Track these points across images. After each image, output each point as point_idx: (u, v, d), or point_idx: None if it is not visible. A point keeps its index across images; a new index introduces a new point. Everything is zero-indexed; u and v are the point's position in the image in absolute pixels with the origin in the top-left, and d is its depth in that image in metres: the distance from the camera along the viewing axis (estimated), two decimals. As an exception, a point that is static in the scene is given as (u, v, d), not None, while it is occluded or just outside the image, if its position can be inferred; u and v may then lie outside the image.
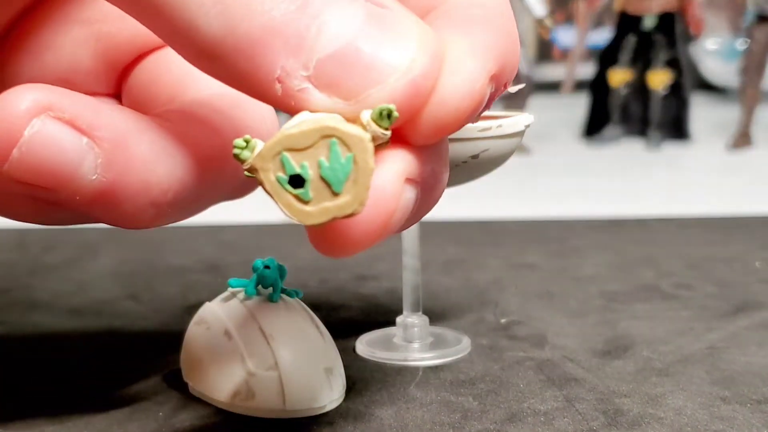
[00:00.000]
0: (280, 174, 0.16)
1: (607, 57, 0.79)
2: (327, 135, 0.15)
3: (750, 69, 0.72)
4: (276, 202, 0.16)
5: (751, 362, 0.27)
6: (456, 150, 0.25)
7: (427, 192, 0.18)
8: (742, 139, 0.71)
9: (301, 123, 0.16)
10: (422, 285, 0.29)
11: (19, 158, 0.17)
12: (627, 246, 0.41)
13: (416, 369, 0.27)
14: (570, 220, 0.47)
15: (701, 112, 0.76)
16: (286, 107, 0.16)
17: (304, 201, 0.16)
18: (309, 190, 0.15)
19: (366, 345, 0.29)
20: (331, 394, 0.24)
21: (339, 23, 0.16)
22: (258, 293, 0.25)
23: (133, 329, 0.31)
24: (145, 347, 0.29)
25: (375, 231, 0.17)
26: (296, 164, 0.15)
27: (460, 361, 0.28)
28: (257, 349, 0.24)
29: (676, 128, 0.77)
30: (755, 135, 0.70)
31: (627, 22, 0.77)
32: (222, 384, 0.24)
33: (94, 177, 0.17)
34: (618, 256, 0.40)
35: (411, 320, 0.28)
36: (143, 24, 0.17)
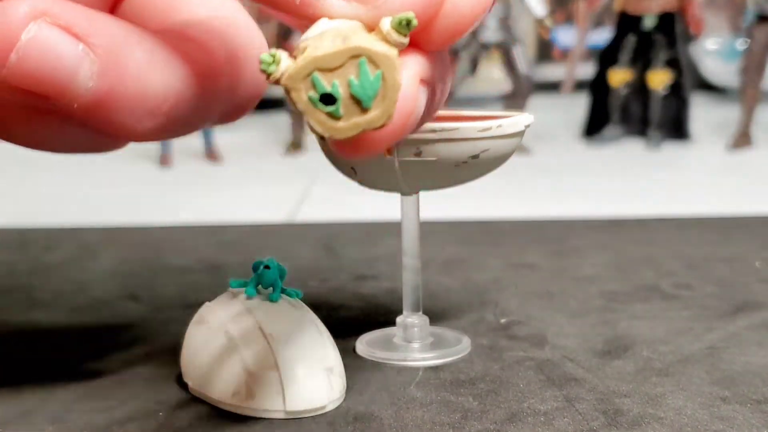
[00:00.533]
0: (312, 93, 0.16)
1: (607, 57, 0.79)
2: (356, 55, 0.16)
3: (750, 69, 0.72)
4: (308, 120, 0.16)
5: (751, 362, 0.27)
6: (456, 150, 0.25)
7: (434, 94, 0.18)
8: (742, 139, 0.71)
9: (327, 42, 0.16)
10: (422, 285, 0.29)
11: (16, 63, 0.17)
12: (627, 246, 0.41)
13: (416, 369, 0.27)
14: (570, 220, 0.47)
15: (701, 112, 0.76)
16: (305, 15, 0.17)
17: (336, 117, 0.16)
18: (340, 108, 0.16)
19: (366, 345, 0.29)
20: (331, 394, 0.24)
21: None
22: (258, 293, 0.25)
23: (133, 329, 0.31)
24: (145, 347, 0.29)
25: (396, 133, 0.17)
26: (327, 83, 0.16)
27: (460, 361, 0.28)
28: (257, 348, 0.24)
29: (676, 128, 0.77)
30: (755, 135, 0.70)
31: (627, 22, 0.77)
32: (222, 383, 0.24)
33: (90, 84, 0.17)
34: (618, 256, 0.40)
35: (411, 320, 0.28)
36: None
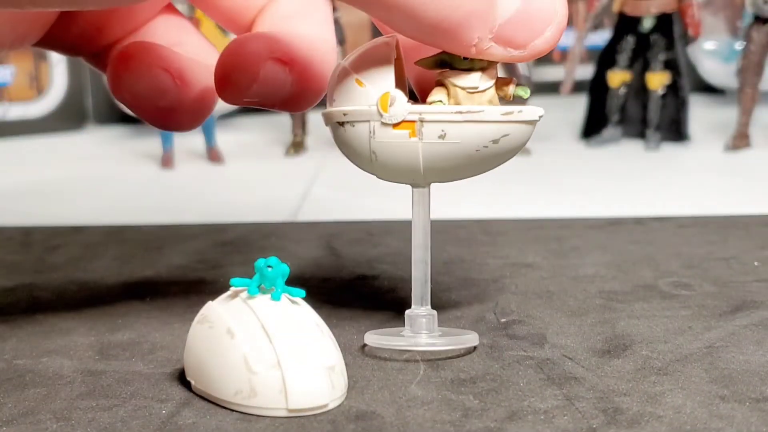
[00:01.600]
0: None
1: (605, 58, 0.79)
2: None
3: (748, 70, 0.72)
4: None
5: (750, 361, 0.27)
6: (479, 133, 0.25)
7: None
8: (741, 140, 0.71)
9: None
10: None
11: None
12: (626, 246, 0.42)
13: (417, 367, 0.27)
14: (569, 219, 0.47)
15: (700, 113, 0.77)
16: (474, 57, 0.24)
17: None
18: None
19: (375, 335, 0.29)
20: (333, 393, 0.24)
21: None
22: (260, 292, 0.25)
23: (136, 328, 0.31)
24: (148, 346, 0.30)
25: None
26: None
27: (460, 356, 0.28)
28: (259, 347, 0.24)
29: (675, 129, 0.77)
30: (754, 136, 0.71)
31: (625, 24, 0.78)
32: (224, 382, 0.24)
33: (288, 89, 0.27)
34: (617, 255, 0.40)
35: (419, 311, 0.28)
36: (374, 14, 0.23)
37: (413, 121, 0.25)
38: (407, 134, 0.25)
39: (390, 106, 0.25)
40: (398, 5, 0.22)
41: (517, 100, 0.27)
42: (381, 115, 0.25)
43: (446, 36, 0.22)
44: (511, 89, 0.26)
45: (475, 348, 0.29)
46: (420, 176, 0.27)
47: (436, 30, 0.22)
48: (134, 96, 0.27)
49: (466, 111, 0.25)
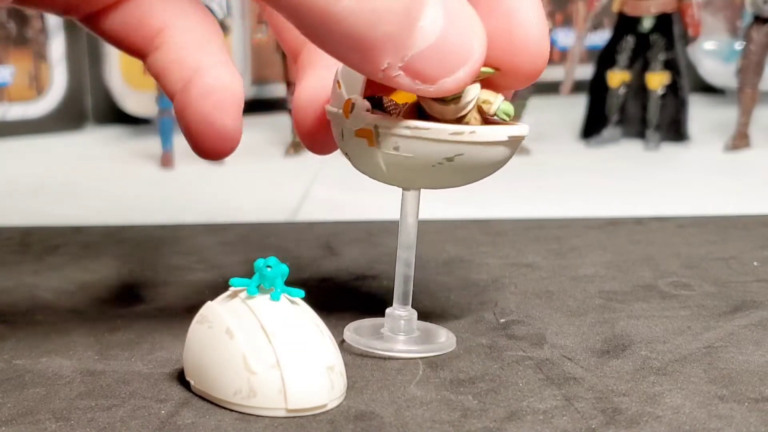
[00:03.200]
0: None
1: (605, 58, 0.79)
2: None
3: (747, 70, 0.72)
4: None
5: (749, 361, 0.27)
6: (430, 150, 0.25)
7: None
8: (741, 140, 0.71)
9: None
10: (421, 284, 0.29)
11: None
12: (625, 246, 0.42)
13: (416, 368, 0.27)
14: (569, 219, 0.47)
15: (700, 113, 0.77)
16: (383, 83, 0.23)
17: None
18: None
19: (353, 332, 0.29)
20: (332, 393, 0.24)
21: (430, 26, 0.21)
22: (259, 292, 0.25)
23: (135, 328, 0.31)
24: (147, 346, 0.30)
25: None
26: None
27: (459, 357, 0.28)
28: (259, 347, 0.24)
29: (675, 129, 0.77)
30: (753, 136, 0.71)
31: (625, 24, 0.78)
32: (224, 382, 0.24)
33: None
34: (616, 255, 0.40)
35: (398, 313, 0.29)
36: (295, 25, 0.22)
37: (370, 131, 0.25)
38: (366, 142, 0.25)
39: (350, 112, 0.25)
40: (317, 19, 0.21)
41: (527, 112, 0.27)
42: (344, 120, 0.26)
43: (358, 56, 0.22)
44: (494, 107, 0.25)
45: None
46: (387, 182, 0.27)
47: (351, 49, 0.21)
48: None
49: (414, 127, 0.24)
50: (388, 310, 0.29)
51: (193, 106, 0.27)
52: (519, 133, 0.25)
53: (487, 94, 0.25)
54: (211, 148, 0.27)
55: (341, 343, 0.29)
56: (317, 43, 0.22)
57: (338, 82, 0.26)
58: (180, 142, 0.77)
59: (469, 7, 0.22)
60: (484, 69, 0.24)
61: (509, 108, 0.25)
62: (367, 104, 0.25)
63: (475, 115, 0.25)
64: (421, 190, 0.28)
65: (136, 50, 0.30)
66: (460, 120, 0.25)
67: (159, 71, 0.29)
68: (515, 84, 0.25)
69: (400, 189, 0.28)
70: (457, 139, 0.24)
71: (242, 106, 0.27)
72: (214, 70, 0.27)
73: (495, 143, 0.25)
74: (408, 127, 0.24)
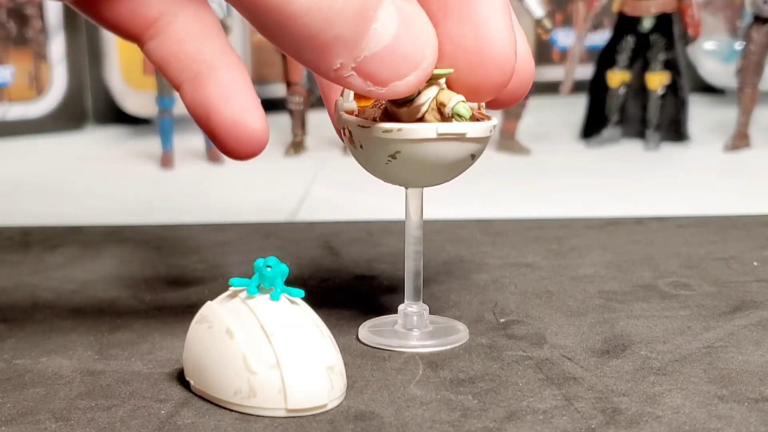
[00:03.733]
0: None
1: (605, 58, 0.79)
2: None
3: (747, 70, 0.72)
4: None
5: (749, 361, 0.27)
6: (375, 146, 0.25)
7: None
8: (741, 140, 0.71)
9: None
10: (423, 280, 0.29)
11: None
12: (625, 246, 0.42)
13: (416, 367, 0.27)
14: (569, 219, 0.47)
15: (700, 113, 0.76)
16: (335, 83, 0.23)
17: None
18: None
19: (367, 331, 0.30)
20: (332, 393, 0.24)
21: (383, 30, 0.22)
22: (259, 292, 0.25)
23: (135, 328, 0.31)
24: (147, 346, 0.30)
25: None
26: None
27: (459, 356, 0.28)
28: (259, 347, 0.24)
29: (675, 129, 0.77)
30: (753, 136, 0.71)
31: (625, 23, 0.78)
32: (223, 382, 0.24)
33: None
34: (616, 255, 0.40)
35: (411, 309, 0.30)
36: (249, 20, 0.22)
37: (347, 129, 0.26)
38: (348, 140, 0.27)
39: (337, 112, 0.27)
40: (272, 17, 0.21)
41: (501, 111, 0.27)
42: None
43: (312, 55, 0.22)
44: (448, 108, 0.25)
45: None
46: (379, 178, 0.27)
47: (304, 48, 0.22)
48: None
49: (362, 126, 0.25)
50: (400, 307, 0.30)
51: (218, 112, 0.27)
52: (452, 131, 0.25)
53: (445, 96, 0.25)
54: (244, 151, 0.28)
55: (345, 342, 0.29)
56: (272, 41, 0.23)
57: None
58: (180, 142, 0.77)
59: (423, 14, 0.23)
60: (438, 71, 0.24)
61: (461, 109, 0.24)
62: (348, 105, 0.26)
63: (436, 116, 0.25)
64: (423, 188, 0.29)
65: (131, 36, 0.30)
66: (419, 121, 0.25)
67: (160, 60, 0.29)
68: (480, 96, 0.25)
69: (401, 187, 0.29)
70: (389, 137, 0.25)
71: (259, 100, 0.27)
72: (225, 66, 0.27)
73: (425, 140, 0.25)
74: (359, 126, 0.26)
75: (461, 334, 0.30)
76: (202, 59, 0.28)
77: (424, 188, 0.28)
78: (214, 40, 0.27)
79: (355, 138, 0.26)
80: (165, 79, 0.30)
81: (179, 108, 0.72)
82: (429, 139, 0.25)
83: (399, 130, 0.25)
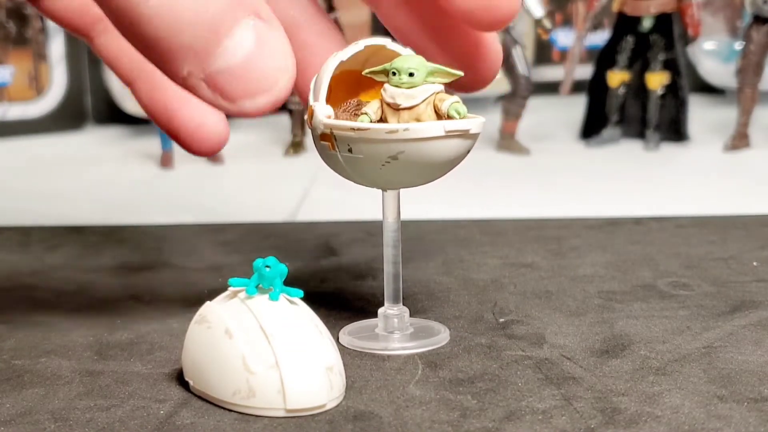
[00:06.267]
0: None
1: (605, 58, 0.79)
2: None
3: (747, 70, 0.72)
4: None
5: (748, 361, 0.27)
6: (373, 149, 0.25)
7: None
8: (740, 140, 0.71)
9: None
10: (421, 284, 0.29)
11: None
12: (625, 246, 0.42)
13: (415, 367, 0.27)
14: (568, 219, 0.47)
15: (699, 113, 0.76)
16: (184, 89, 0.22)
17: None
18: None
19: (348, 335, 0.30)
20: (331, 393, 0.24)
21: (235, 47, 0.22)
22: (259, 292, 0.25)
23: (134, 328, 0.31)
24: (146, 346, 0.30)
25: None
26: None
27: (458, 356, 0.28)
28: (258, 347, 0.24)
29: (675, 129, 0.77)
30: (753, 136, 0.70)
31: (625, 23, 0.78)
32: (223, 382, 0.24)
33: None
34: (616, 255, 0.40)
35: (391, 311, 0.30)
36: (107, 15, 0.22)
37: (330, 135, 0.26)
38: (328, 146, 0.26)
39: (311, 118, 0.26)
40: (125, 15, 0.21)
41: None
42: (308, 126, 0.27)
43: (159, 58, 0.22)
44: (444, 107, 0.25)
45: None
46: (357, 183, 0.28)
47: (152, 49, 0.22)
48: None
49: (357, 128, 0.25)
50: (380, 310, 0.30)
51: (180, 114, 0.28)
52: (458, 127, 0.25)
53: (441, 97, 0.26)
54: (206, 149, 0.28)
55: (339, 343, 0.29)
56: (125, 36, 0.23)
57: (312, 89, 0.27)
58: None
59: (283, 39, 0.23)
60: (452, 71, 0.25)
61: (460, 107, 0.25)
62: (327, 110, 0.26)
63: (431, 115, 0.26)
64: (401, 190, 0.29)
65: (80, 32, 0.31)
66: (417, 121, 0.26)
67: (111, 57, 0.30)
68: (473, 90, 0.27)
69: (404, 189, 0.29)
70: (393, 138, 0.25)
71: None
72: None
73: (432, 138, 0.25)
74: (353, 129, 0.25)
75: (442, 335, 0.30)
76: None
77: (418, 188, 0.29)
78: None
79: (342, 142, 0.26)
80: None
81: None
82: (436, 137, 0.25)
83: (406, 129, 0.25)
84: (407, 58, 0.26)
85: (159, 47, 0.22)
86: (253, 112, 0.23)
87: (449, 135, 0.25)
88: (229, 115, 0.24)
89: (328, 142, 0.26)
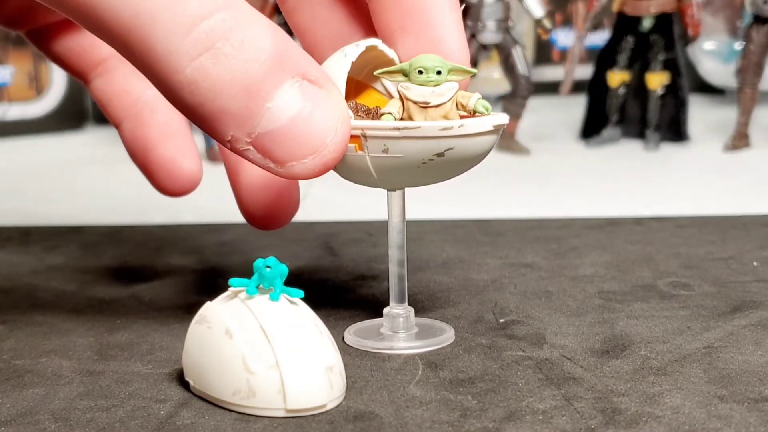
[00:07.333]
0: None
1: (605, 58, 0.79)
2: None
3: (747, 70, 0.72)
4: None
5: (748, 361, 0.27)
6: (420, 148, 0.25)
7: None
8: (740, 140, 0.71)
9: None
10: (421, 284, 0.29)
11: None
12: (625, 246, 0.42)
13: (416, 368, 0.27)
14: (568, 219, 0.47)
15: (699, 113, 0.76)
16: (232, 151, 0.23)
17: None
18: None
19: (354, 335, 0.30)
20: (331, 393, 0.24)
21: (278, 111, 0.22)
22: (259, 292, 0.25)
23: (134, 328, 0.31)
24: (147, 346, 0.30)
25: None
26: None
27: (459, 356, 0.28)
28: (258, 348, 0.24)
29: (675, 129, 0.77)
30: (753, 136, 0.70)
31: (625, 23, 0.78)
32: (223, 383, 0.24)
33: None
34: (616, 255, 0.40)
35: (396, 311, 0.30)
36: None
37: (358, 136, 0.25)
38: (354, 148, 0.26)
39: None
40: (163, 85, 0.21)
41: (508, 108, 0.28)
42: None
43: (201, 122, 0.22)
44: (471, 103, 0.26)
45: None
46: (377, 185, 0.27)
47: (193, 114, 0.22)
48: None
49: (403, 127, 0.25)
50: (385, 310, 0.30)
51: (155, 151, 0.29)
52: (501, 121, 0.26)
53: (462, 93, 0.26)
54: (177, 189, 0.31)
55: (341, 343, 0.29)
56: (169, 101, 0.23)
57: None
58: (180, 142, 0.76)
59: (333, 101, 0.23)
60: (468, 68, 0.26)
61: (486, 102, 0.26)
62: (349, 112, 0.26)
63: (456, 113, 0.26)
64: (406, 189, 0.29)
65: (78, 74, 0.31)
66: (445, 118, 0.26)
67: (104, 99, 0.30)
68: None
69: (385, 190, 0.29)
70: (447, 134, 0.25)
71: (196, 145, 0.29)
72: (165, 109, 0.28)
73: (483, 134, 0.25)
74: (397, 128, 0.25)
75: (447, 334, 0.30)
76: (144, 100, 0.29)
77: (418, 188, 0.29)
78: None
79: (376, 142, 0.25)
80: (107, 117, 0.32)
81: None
82: (485, 132, 0.25)
83: (461, 126, 0.25)
84: (429, 57, 0.26)
85: (198, 113, 0.22)
86: (304, 174, 0.23)
87: (494, 131, 0.25)
88: (278, 176, 0.24)
89: (355, 144, 0.26)
